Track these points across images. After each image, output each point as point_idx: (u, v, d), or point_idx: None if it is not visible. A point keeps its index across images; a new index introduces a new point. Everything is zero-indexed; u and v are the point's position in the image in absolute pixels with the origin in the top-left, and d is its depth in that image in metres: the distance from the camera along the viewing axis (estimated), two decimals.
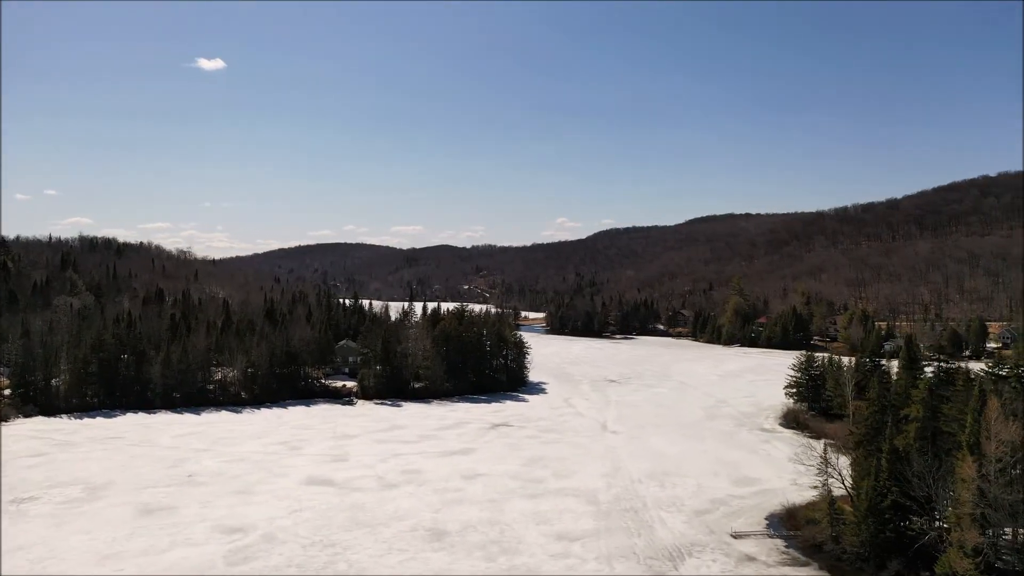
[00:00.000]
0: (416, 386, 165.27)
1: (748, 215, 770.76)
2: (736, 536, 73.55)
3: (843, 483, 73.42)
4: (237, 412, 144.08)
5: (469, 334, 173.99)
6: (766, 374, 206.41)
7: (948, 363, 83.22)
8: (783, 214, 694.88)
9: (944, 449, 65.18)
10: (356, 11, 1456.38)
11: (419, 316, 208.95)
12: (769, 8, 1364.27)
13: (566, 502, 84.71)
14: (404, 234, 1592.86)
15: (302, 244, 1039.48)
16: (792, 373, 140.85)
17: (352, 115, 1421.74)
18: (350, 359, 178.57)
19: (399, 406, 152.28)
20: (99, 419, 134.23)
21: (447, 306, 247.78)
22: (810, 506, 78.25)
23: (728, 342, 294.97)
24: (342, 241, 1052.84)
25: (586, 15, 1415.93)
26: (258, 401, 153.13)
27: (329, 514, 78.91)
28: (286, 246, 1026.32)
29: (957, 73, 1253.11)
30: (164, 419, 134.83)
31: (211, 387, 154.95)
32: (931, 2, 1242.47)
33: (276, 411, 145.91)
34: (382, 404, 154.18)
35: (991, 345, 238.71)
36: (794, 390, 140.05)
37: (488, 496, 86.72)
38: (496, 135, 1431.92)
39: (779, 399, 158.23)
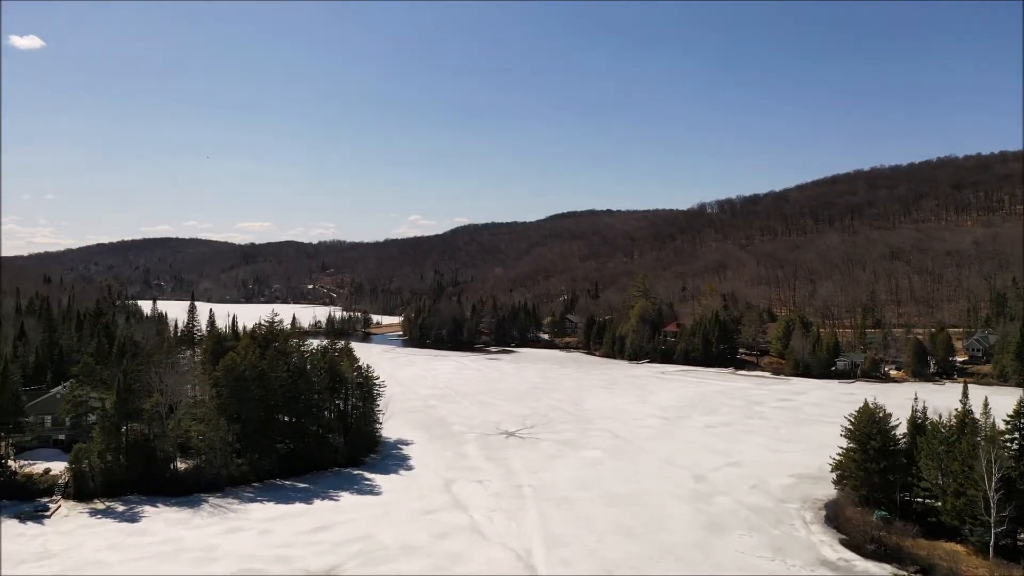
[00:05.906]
0: (182, 468, 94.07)
1: (610, 211, 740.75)
2: None
3: None
4: None
5: (279, 372, 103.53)
6: (720, 411, 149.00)
7: None
8: (644, 211, 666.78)
9: None
10: None
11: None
12: (632, 7, 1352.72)
13: None
14: (250, 231, 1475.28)
15: (126, 239, 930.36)
16: (846, 444, 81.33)
17: (195, 105, 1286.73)
18: (67, 421, 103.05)
19: (136, 519, 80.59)
20: None
21: (280, 310, 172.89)
22: None
23: (635, 357, 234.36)
24: (177, 236, 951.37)
25: (427, 15, 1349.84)
26: None
27: None
28: (107, 241, 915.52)
29: (824, 67, 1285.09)
30: None
31: None
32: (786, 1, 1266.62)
33: None
34: (105, 515, 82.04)
35: (959, 359, 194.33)
36: (848, 472, 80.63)
37: None
38: (348, 130, 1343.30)
39: (781, 466, 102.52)
